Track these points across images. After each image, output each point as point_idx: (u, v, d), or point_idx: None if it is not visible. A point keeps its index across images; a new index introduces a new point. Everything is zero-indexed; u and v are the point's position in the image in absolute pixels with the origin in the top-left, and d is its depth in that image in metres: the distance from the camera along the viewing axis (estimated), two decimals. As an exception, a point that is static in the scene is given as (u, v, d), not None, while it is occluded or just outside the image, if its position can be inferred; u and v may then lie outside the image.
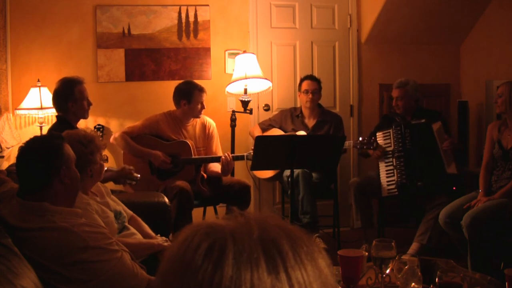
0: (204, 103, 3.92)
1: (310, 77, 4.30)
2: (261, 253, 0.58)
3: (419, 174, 3.84)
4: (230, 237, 0.59)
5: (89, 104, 3.33)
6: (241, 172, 4.45)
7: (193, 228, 0.63)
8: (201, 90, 3.90)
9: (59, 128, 2.94)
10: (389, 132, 3.97)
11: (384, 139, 3.99)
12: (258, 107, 4.72)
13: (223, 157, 3.80)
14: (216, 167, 3.97)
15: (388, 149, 3.95)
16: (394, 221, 4.35)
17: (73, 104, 3.24)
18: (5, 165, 3.63)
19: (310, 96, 4.21)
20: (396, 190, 3.85)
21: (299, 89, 4.32)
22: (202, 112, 3.93)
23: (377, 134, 4.05)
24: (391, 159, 3.93)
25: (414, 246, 3.75)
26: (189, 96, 3.88)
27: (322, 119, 4.26)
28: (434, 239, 3.71)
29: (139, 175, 3.33)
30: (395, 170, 3.89)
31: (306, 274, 0.59)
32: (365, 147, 3.94)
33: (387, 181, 3.90)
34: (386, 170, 3.94)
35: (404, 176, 3.85)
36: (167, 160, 3.79)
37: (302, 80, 4.31)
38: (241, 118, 4.48)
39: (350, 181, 4.22)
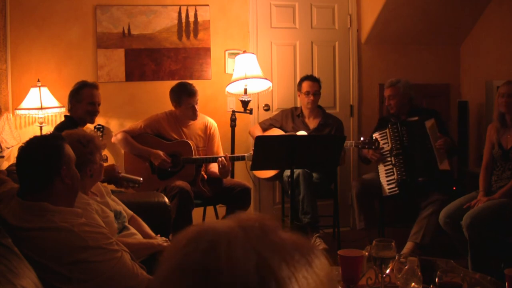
0: (197, 106, 3.88)
1: (310, 78, 4.28)
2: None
3: (418, 170, 3.85)
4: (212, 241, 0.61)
5: (95, 109, 3.50)
6: (241, 172, 4.45)
7: (189, 231, 0.64)
8: (190, 94, 3.84)
9: (65, 127, 2.95)
10: (386, 132, 3.98)
11: (381, 139, 3.99)
12: (258, 107, 4.72)
13: (219, 159, 3.79)
14: (216, 167, 3.97)
15: (386, 149, 3.96)
16: (394, 221, 4.34)
17: (77, 104, 3.45)
18: (5, 165, 3.63)
19: (312, 98, 4.20)
20: (397, 188, 3.85)
21: (299, 90, 4.31)
22: (197, 115, 3.91)
23: (373, 135, 4.05)
24: (389, 159, 3.93)
25: (408, 245, 3.75)
26: (178, 101, 3.88)
27: (324, 122, 4.25)
28: (428, 237, 3.70)
29: (141, 179, 3.32)
30: (394, 168, 3.89)
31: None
32: (366, 146, 3.94)
33: (387, 181, 3.91)
34: (386, 170, 3.94)
35: (404, 173, 3.85)
36: (167, 160, 3.79)
37: (302, 81, 4.29)
38: (241, 118, 4.47)
39: (352, 182, 4.21)
